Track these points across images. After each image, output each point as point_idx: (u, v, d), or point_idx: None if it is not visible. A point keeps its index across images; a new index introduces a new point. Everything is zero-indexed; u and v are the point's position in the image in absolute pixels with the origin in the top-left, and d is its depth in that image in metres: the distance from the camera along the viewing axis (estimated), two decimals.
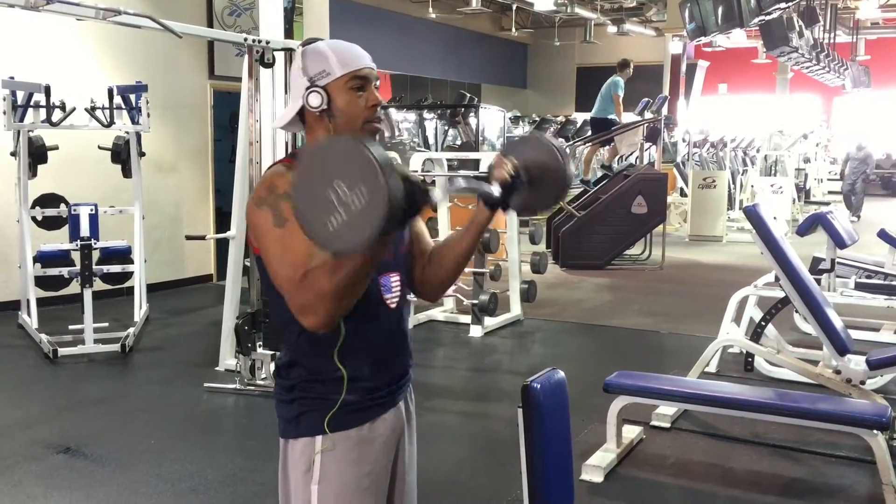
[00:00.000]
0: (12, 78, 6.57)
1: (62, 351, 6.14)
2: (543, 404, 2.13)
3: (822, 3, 15.32)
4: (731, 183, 15.47)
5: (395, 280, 1.97)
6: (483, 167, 7.34)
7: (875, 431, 3.66)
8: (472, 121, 12.38)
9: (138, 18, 5.03)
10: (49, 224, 6.86)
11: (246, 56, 5.55)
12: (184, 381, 5.74)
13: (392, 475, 2.02)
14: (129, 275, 6.93)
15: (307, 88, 1.89)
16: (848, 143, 18.11)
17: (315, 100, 1.88)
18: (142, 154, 7.14)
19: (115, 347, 6.26)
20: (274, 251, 1.79)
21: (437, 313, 7.54)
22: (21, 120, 6.60)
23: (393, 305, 1.95)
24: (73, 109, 6.61)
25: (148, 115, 6.95)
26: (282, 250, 1.78)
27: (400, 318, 2.00)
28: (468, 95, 12.98)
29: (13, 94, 6.53)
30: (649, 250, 11.24)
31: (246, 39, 5.49)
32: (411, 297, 2.09)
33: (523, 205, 2.04)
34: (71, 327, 6.54)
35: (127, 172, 7.17)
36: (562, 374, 2.25)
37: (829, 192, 17.43)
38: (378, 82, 1.95)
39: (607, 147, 12.33)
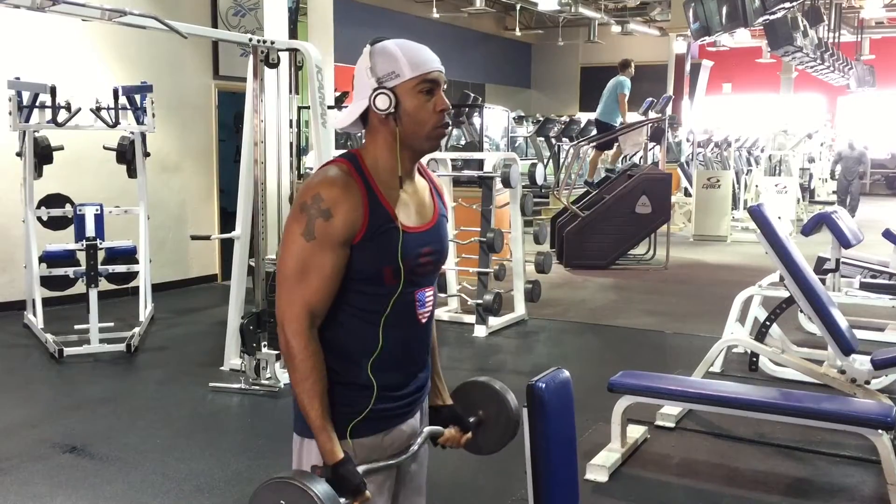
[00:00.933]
0: (18, 78, 6.60)
1: (68, 351, 6.17)
2: (548, 404, 2.14)
3: (827, 3, 15.30)
4: (736, 183, 15.44)
5: (429, 294, 1.96)
6: (487, 167, 7.34)
7: (880, 431, 3.66)
8: (476, 120, 12.36)
9: (143, 19, 5.04)
10: (54, 224, 6.88)
11: (251, 56, 5.57)
12: (189, 380, 5.75)
13: (402, 475, 2.03)
14: (134, 275, 6.96)
15: (375, 90, 1.83)
16: (840, 142, 17.91)
17: (383, 102, 1.82)
18: (147, 154, 7.16)
19: (121, 347, 6.28)
20: (292, 263, 1.81)
21: (441, 313, 7.55)
22: (27, 120, 6.63)
23: (424, 320, 1.95)
24: (79, 110, 6.63)
25: (153, 116, 6.97)
26: (301, 271, 1.80)
27: (427, 332, 2.00)
28: (472, 95, 12.95)
29: (19, 94, 6.57)
30: (653, 250, 11.24)
31: (251, 40, 5.50)
32: None
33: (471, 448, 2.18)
34: (76, 327, 6.58)
35: (132, 172, 7.19)
36: (566, 373, 2.25)
37: (834, 192, 17.41)
38: (445, 86, 1.91)
39: (612, 150, 12.34)
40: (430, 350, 2.05)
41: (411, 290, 1.89)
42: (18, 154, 6.76)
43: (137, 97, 6.99)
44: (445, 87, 1.91)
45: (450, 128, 2.29)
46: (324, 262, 1.79)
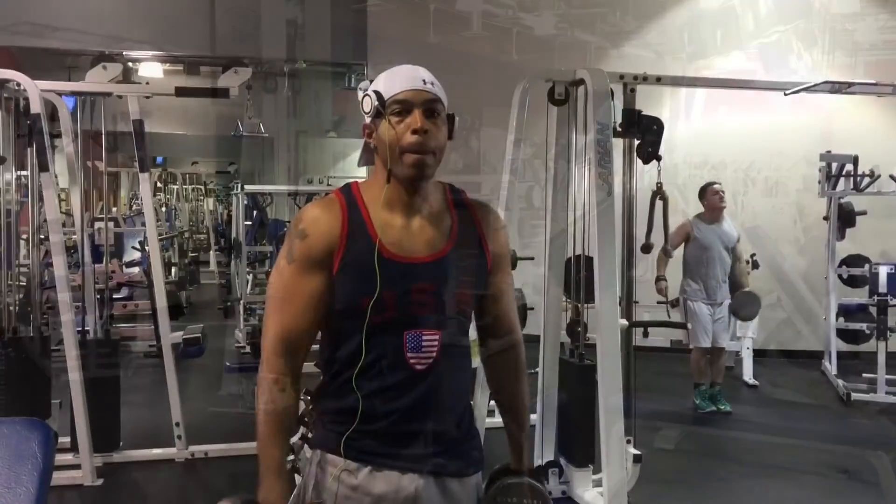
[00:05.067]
0: (829, 152, 7.26)
1: (855, 396, 6.40)
2: None
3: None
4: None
5: (428, 338, 1.68)
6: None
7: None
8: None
9: None
10: (852, 282, 7.27)
11: None
12: None
13: None
14: None
15: (365, 125, 1.78)
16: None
17: (367, 133, 1.77)
18: None
19: None
20: (276, 287, 1.71)
21: None
22: (833, 188, 7.20)
23: (420, 368, 1.67)
24: (878, 176, 6.99)
25: None
26: (283, 297, 1.70)
27: (434, 383, 1.69)
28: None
29: (828, 165, 7.21)
30: None
31: None
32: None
33: None
34: (865, 375, 6.78)
35: None
36: None
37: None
38: (430, 106, 1.71)
39: None
40: (458, 407, 1.77)
41: (399, 330, 1.67)
42: (825, 218, 7.42)
43: None
44: (430, 107, 1.71)
45: (423, 152, 1.69)
46: (302, 284, 1.66)
